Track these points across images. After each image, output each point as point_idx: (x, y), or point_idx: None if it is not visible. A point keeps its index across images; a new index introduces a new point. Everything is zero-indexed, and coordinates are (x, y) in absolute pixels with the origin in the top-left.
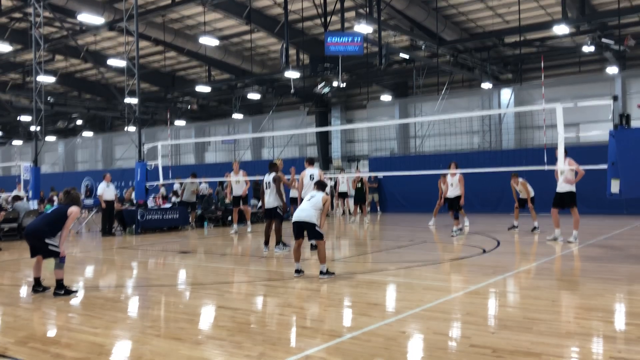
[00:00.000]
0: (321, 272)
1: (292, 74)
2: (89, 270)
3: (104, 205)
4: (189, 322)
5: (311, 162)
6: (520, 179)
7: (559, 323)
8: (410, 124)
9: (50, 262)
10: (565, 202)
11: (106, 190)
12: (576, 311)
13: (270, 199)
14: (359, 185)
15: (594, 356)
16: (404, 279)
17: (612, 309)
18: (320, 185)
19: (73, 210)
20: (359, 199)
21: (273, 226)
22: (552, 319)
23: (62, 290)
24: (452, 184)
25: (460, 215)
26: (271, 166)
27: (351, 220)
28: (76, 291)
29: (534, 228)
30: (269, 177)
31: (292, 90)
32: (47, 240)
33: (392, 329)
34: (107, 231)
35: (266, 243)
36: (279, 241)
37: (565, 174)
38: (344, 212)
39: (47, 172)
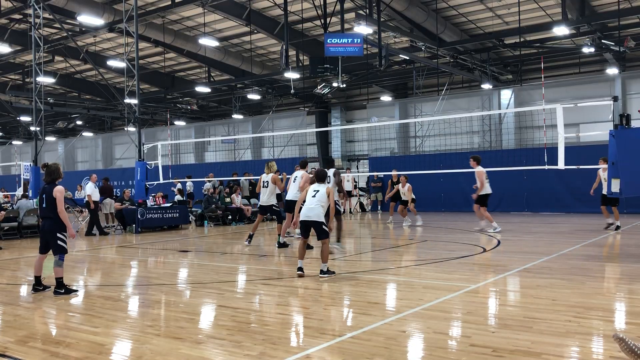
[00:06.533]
0: (322, 271)
1: (292, 75)
2: (89, 269)
3: (92, 205)
4: (189, 321)
5: (303, 165)
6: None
7: (559, 322)
8: (411, 124)
9: (50, 261)
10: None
11: (94, 191)
12: (576, 310)
13: (265, 197)
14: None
15: (594, 355)
16: (404, 277)
17: (612, 308)
18: (319, 177)
19: (57, 192)
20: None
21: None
22: (552, 318)
23: (63, 289)
24: (404, 193)
25: (412, 214)
26: (269, 167)
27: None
28: (76, 290)
29: (609, 225)
30: (267, 177)
31: (292, 91)
32: (58, 235)
33: (393, 328)
34: (86, 231)
35: (250, 237)
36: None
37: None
38: (344, 211)
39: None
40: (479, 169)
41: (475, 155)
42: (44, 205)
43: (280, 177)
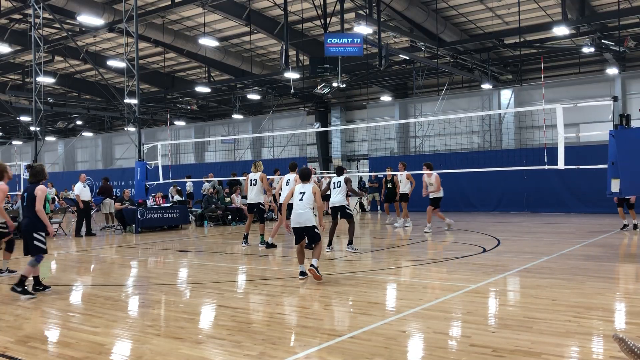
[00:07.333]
0: (312, 265)
1: (292, 75)
2: (89, 269)
3: (82, 205)
4: (189, 321)
5: (292, 168)
6: None
7: (559, 322)
8: (410, 124)
9: (47, 262)
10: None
11: (83, 191)
12: (576, 310)
13: (252, 195)
14: (390, 185)
15: (594, 356)
16: (404, 277)
17: (612, 308)
18: (303, 176)
19: (38, 190)
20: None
21: (252, 222)
22: (552, 318)
23: (21, 287)
24: (401, 181)
25: (395, 213)
26: (256, 166)
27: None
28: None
29: (625, 226)
30: (254, 175)
31: (292, 91)
32: (35, 235)
33: (393, 328)
34: (86, 231)
35: (245, 237)
36: (268, 239)
37: None
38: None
39: (47, 172)
40: (435, 174)
41: (427, 162)
42: (24, 204)
43: (274, 177)
